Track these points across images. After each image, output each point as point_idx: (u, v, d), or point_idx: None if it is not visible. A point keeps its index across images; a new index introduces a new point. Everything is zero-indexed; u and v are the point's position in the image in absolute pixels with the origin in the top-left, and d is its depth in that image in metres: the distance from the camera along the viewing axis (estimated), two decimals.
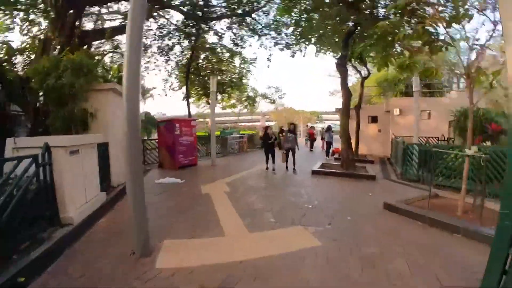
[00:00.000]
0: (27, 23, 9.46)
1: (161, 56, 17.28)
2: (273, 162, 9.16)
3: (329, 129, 14.02)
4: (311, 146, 17.60)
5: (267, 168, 9.21)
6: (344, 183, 7.51)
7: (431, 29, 4.24)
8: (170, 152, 9.92)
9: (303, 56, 10.59)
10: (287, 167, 9.18)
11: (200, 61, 19.67)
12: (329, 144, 13.65)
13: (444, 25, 4.09)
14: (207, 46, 18.30)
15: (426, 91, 16.08)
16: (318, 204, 5.46)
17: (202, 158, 12.77)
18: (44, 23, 9.80)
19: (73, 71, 5.71)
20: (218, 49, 19.14)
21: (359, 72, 13.31)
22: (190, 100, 26.61)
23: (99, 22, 13.44)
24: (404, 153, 8.36)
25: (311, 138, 18.26)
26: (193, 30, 15.21)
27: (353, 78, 42.96)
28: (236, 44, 15.81)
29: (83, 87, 5.83)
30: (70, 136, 4.33)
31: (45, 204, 3.77)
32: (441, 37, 4.34)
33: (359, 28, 9.04)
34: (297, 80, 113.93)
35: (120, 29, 12.78)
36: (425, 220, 4.27)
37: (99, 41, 12.81)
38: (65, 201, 4.19)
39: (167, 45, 16.31)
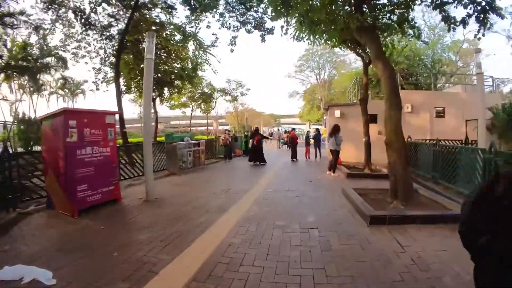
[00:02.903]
0: None
1: (78, 21, 11.77)
2: None
3: (336, 130, 9.08)
4: (294, 155, 13.40)
5: None
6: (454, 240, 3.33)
7: None
8: (60, 180, 4.87)
9: (284, 33, 6.47)
10: None
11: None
12: (337, 154, 9.09)
13: None
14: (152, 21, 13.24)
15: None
16: None
17: (134, 182, 7.74)
18: None
19: None
20: (168, 31, 14.35)
21: (362, 57, 9.76)
22: (130, 96, 20.72)
23: None
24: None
25: (293, 143, 13.77)
26: None
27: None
28: (192, 8, 11.06)
29: None
30: None
31: None
32: None
33: None
34: (253, 79, 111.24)
35: None
36: None
37: None
38: None
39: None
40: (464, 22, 5.31)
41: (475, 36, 5.44)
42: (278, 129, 33.83)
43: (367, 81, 9.64)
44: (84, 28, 12.19)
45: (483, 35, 5.69)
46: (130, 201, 5.74)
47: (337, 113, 12.34)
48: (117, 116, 6.96)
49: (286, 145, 23.10)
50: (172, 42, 14.44)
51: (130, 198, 5.96)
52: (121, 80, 14.97)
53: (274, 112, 56.93)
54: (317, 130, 14.12)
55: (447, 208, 4.67)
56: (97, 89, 15.71)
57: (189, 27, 13.73)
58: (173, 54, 15.44)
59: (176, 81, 17.35)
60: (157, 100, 19.26)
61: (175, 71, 16.57)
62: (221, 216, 4.62)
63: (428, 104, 10.69)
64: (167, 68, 16.23)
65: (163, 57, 15.50)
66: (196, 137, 16.44)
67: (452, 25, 5.64)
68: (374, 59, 5.57)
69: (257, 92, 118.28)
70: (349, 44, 9.39)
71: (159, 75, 15.65)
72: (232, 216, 4.62)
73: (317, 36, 8.88)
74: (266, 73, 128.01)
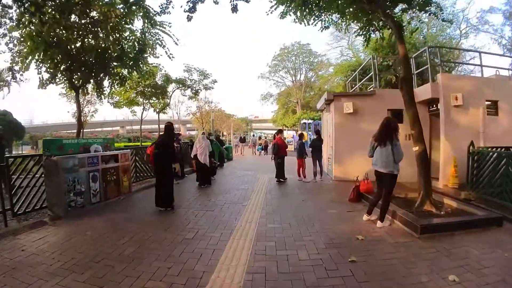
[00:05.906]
0: None
1: None
2: None
3: (394, 129, 4.16)
4: (281, 174, 8.47)
5: None
6: None
7: None
8: None
9: None
10: None
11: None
12: (394, 181, 4.16)
13: None
14: None
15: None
16: None
17: None
18: None
19: None
20: None
21: (391, 19, 5.70)
22: (59, 88, 14.97)
23: None
24: None
25: (280, 153, 8.50)
26: None
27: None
28: None
29: None
30: None
31: None
32: None
33: None
34: (223, 81, 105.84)
35: None
36: None
37: None
38: None
39: None
40: None
41: None
42: (254, 135, 30.75)
43: (405, 52, 5.54)
44: None
45: None
46: None
47: (348, 107, 8.05)
48: None
49: (263, 151, 22.75)
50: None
51: None
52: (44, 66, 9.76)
53: (246, 115, 52.74)
54: (318, 133, 9.13)
55: None
56: (13, 77, 10.62)
57: None
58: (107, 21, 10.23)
59: (118, 68, 12.15)
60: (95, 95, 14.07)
61: (111, 51, 11.36)
62: None
63: (478, 95, 7.07)
64: (101, 45, 10.95)
65: (99, 29, 10.23)
66: (120, 145, 11.31)
67: None
68: None
69: (227, 94, 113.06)
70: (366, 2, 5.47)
71: (85, 56, 10.43)
72: None
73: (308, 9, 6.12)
74: (237, 75, 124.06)
